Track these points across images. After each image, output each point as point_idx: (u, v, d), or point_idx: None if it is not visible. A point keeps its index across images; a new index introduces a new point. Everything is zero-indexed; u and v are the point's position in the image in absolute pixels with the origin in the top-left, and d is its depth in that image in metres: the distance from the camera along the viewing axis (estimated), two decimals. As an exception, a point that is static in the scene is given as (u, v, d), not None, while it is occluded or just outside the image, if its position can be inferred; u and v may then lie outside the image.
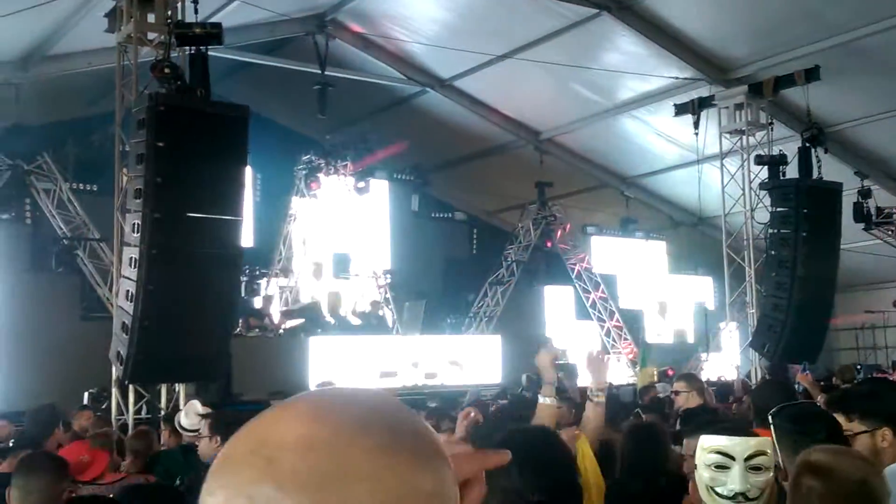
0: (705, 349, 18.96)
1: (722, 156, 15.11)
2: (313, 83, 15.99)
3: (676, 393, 6.24)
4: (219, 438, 4.83)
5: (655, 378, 14.23)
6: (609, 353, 20.54)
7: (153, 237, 8.54)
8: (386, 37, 16.59)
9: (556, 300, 21.26)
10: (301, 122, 18.80)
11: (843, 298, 18.02)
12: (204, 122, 8.95)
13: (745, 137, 14.86)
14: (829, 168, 14.18)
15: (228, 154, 9.07)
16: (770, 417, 2.98)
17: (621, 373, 19.24)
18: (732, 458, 2.35)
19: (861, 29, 13.38)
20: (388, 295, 18.03)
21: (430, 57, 16.98)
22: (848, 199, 15.50)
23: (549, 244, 20.49)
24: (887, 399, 3.15)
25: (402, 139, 19.15)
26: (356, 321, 16.96)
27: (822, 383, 9.15)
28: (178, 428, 6.60)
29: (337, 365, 14.20)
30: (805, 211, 13.19)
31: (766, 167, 14.17)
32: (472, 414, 3.33)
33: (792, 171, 13.94)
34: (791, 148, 14.20)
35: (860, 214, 17.13)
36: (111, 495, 4.57)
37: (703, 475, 2.39)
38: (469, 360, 16.17)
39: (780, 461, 2.74)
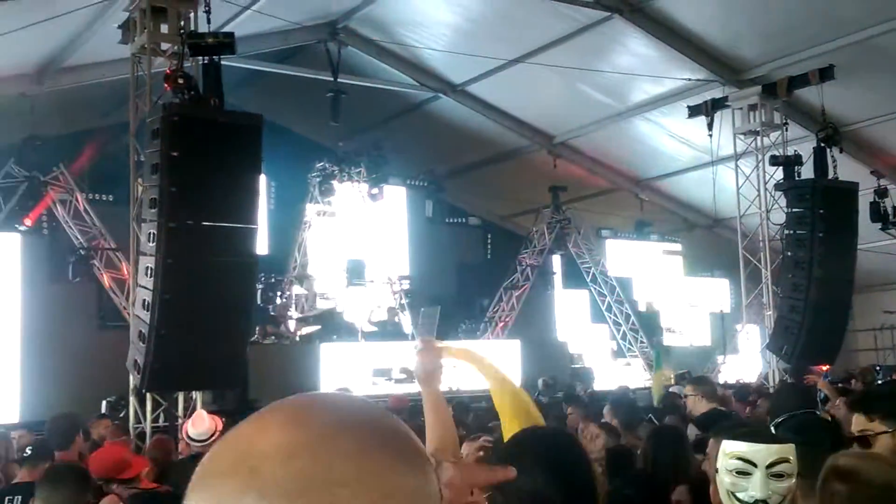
0: (722, 352, 18.88)
1: (736, 157, 15.06)
2: (326, 91, 16.03)
3: (685, 396, 6.24)
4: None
5: (672, 381, 14.16)
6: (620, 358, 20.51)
7: (169, 246, 8.58)
8: (398, 43, 16.63)
9: (572, 304, 21.24)
10: (314, 129, 18.84)
11: (861, 299, 17.92)
12: (218, 131, 8.99)
13: (759, 138, 14.80)
14: (845, 168, 14.10)
15: (242, 162, 9.10)
16: (773, 428, 2.97)
17: (637, 376, 19.19)
18: (754, 465, 2.34)
19: (875, 27, 13.29)
20: (404, 301, 18.05)
21: (442, 62, 17.00)
22: (864, 199, 15.39)
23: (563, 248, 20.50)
24: None
25: (416, 145, 19.19)
26: (372, 328, 16.99)
27: (839, 385, 9.08)
28: (185, 439, 6.56)
29: (351, 371, 14.20)
30: (821, 211, 13.12)
31: (781, 168, 14.10)
32: (482, 440, 3.30)
33: (807, 172, 13.86)
34: (806, 148, 14.13)
35: (877, 214, 16.99)
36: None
37: (724, 480, 2.38)
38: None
39: None
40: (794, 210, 13.47)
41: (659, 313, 21.99)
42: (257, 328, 14.69)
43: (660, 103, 16.66)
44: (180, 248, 8.67)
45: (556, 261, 20.99)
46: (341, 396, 0.79)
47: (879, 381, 11.01)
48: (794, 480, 2.35)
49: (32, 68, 14.37)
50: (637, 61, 15.32)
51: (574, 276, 21.16)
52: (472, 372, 2.83)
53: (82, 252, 14.62)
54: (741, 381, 15.70)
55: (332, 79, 15.94)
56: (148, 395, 9.65)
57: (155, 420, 9.76)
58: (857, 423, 3.02)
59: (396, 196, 19.67)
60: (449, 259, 20.97)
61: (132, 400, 9.87)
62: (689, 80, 15.42)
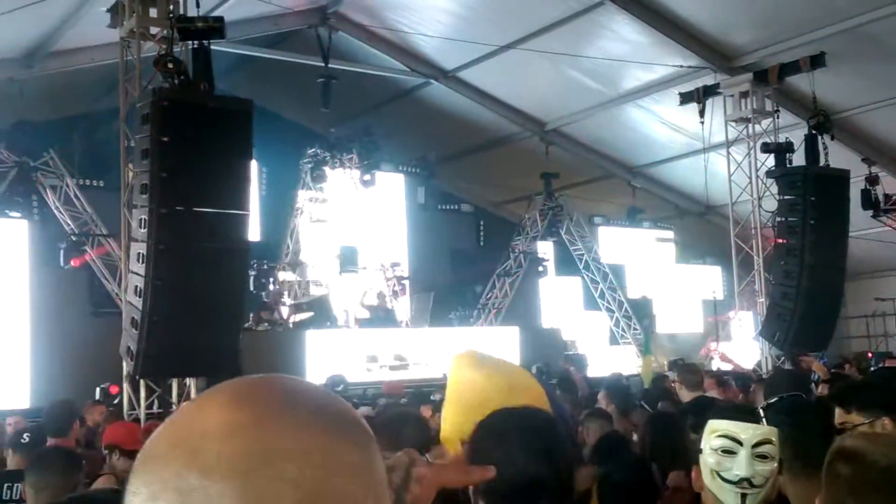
0: (715, 339, 18.93)
1: (728, 144, 15.07)
2: (317, 76, 15.97)
3: (674, 383, 6.31)
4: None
5: (665, 367, 14.20)
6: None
7: (160, 232, 8.56)
8: (389, 28, 16.56)
9: (565, 291, 21.27)
10: (306, 115, 18.79)
11: (853, 286, 18.00)
12: (208, 116, 8.95)
13: (750, 125, 14.82)
14: (836, 155, 14.11)
15: (233, 148, 9.07)
16: (761, 411, 2.97)
17: (631, 363, 19.24)
18: (740, 444, 2.34)
19: (866, 14, 13.27)
20: (397, 288, 18.03)
21: (434, 48, 16.94)
22: (855, 186, 15.44)
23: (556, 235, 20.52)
24: (883, 388, 3.13)
25: (407, 131, 19.14)
26: (364, 314, 16.98)
27: (833, 371, 9.11)
28: None
29: (340, 358, 14.17)
30: (812, 198, 13.14)
31: (772, 155, 14.12)
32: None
33: (799, 159, 13.88)
34: (797, 135, 14.15)
35: (868, 201, 17.07)
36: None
37: (708, 460, 2.37)
38: (488, 351, 16.14)
39: None
40: (785, 197, 13.49)
41: (651, 300, 22.04)
42: (251, 315, 14.67)
43: (651, 90, 16.65)
44: (172, 234, 8.65)
45: (549, 248, 20.98)
46: (285, 378, 0.78)
47: (873, 368, 11.06)
48: (776, 464, 2.35)
49: (21, 52, 14.27)
50: (629, 48, 15.29)
51: (567, 263, 21.18)
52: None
53: (73, 238, 14.55)
54: (739, 368, 15.74)
55: (322, 64, 15.89)
56: (142, 381, 9.64)
57: (149, 406, 9.75)
58: (838, 415, 3.03)
59: (388, 182, 19.63)
60: (442, 246, 20.96)
61: (126, 386, 9.86)
62: (681, 66, 15.40)
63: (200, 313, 8.83)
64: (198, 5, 9.63)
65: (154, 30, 10.06)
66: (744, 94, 14.74)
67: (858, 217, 15.52)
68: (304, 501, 0.69)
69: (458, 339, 16.44)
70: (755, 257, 14.94)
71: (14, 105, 14.48)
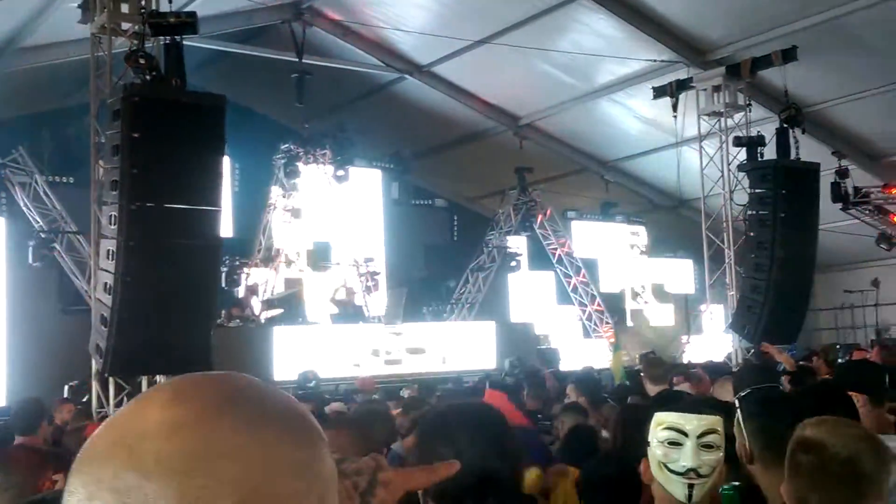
0: (687, 332, 19.06)
1: (700, 138, 15.14)
2: (291, 72, 15.90)
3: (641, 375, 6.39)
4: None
5: (637, 361, 14.27)
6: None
7: (130, 229, 8.49)
8: (363, 23, 16.51)
9: (538, 285, 21.34)
10: (279, 111, 18.70)
11: (822, 279, 18.16)
12: (180, 112, 8.89)
13: (723, 119, 14.89)
14: (807, 148, 14.23)
15: (205, 144, 9.01)
16: (736, 401, 3.00)
17: (603, 356, 19.32)
18: (685, 435, 2.37)
19: (838, 8, 13.39)
20: (370, 283, 18.00)
21: (408, 43, 16.91)
22: (825, 180, 15.58)
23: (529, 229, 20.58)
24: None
25: (382, 127, 19.09)
26: (334, 310, 16.95)
27: (800, 363, 9.19)
28: None
29: (308, 354, 14.12)
30: (783, 192, 13.24)
31: (744, 149, 14.21)
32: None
33: (770, 153, 13.98)
34: (769, 129, 14.25)
35: (838, 194, 17.22)
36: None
37: (655, 452, 2.41)
38: (464, 346, 16.23)
39: (747, 444, 2.76)
40: (756, 190, 13.59)
41: (623, 294, 22.16)
42: (223, 311, 14.59)
43: (625, 84, 16.71)
44: (142, 231, 8.59)
45: (523, 242, 21.02)
46: (232, 375, 0.77)
47: (840, 360, 11.16)
48: (721, 454, 2.38)
49: (-10, 48, 14.11)
50: (602, 42, 15.33)
51: (540, 258, 21.23)
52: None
53: (43, 235, 14.41)
54: (711, 361, 15.84)
55: (296, 59, 15.82)
56: (111, 379, 9.57)
57: (119, 404, 9.67)
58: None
59: (362, 178, 19.58)
60: (415, 241, 20.96)
61: (95, 384, 9.78)
62: (654, 61, 15.47)
63: (171, 310, 8.77)
64: (170, 0, 9.56)
65: (125, 25, 9.96)
66: (716, 88, 14.81)
67: (828, 210, 15.65)
68: (246, 501, 0.68)
69: (430, 334, 16.46)
70: (726, 250, 15.03)
71: (-18, 101, 14.33)
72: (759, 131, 14.34)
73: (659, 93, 15.36)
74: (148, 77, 9.09)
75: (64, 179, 15.55)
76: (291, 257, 17.69)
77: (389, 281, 19.23)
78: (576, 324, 21.27)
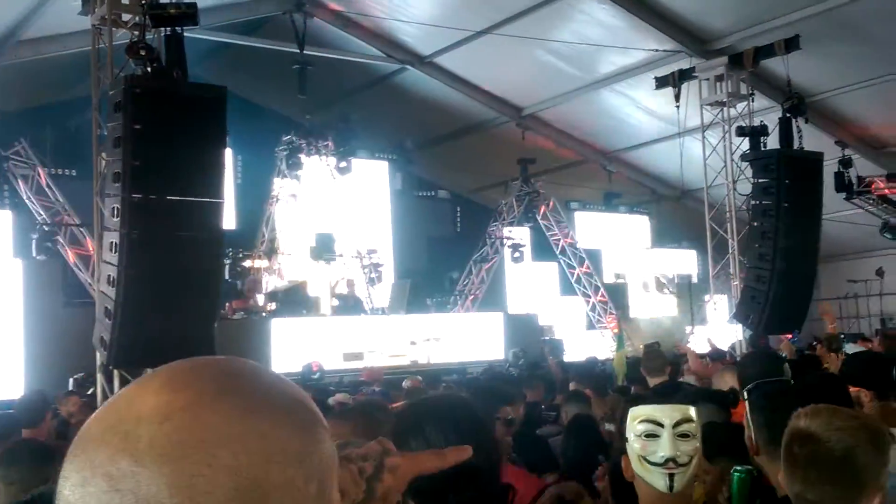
0: (691, 322, 19.03)
1: (703, 128, 15.10)
2: (292, 63, 15.87)
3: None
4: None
5: (642, 349, 14.23)
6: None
7: (133, 221, 8.47)
8: (364, 14, 16.47)
9: (541, 276, 21.32)
10: (281, 102, 18.68)
11: (826, 268, 18.15)
12: (181, 103, 8.86)
13: (726, 109, 14.85)
14: (810, 138, 14.19)
15: (207, 136, 8.98)
16: (745, 393, 3.01)
17: (607, 347, 19.31)
18: (661, 426, 2.39)
19: (841, -3, 13.38)
20: (374, 275, 17.99)
21: (410, 34, 16.87)
22: (829, 169, 15.53)
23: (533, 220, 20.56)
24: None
25: (384, 118, 19.05)
26: (335, 302, 16.95)
27: (804, 352, 9.18)
28: None
29: (309, 346, 14.13)
30: (786, 181, 13.19)
31: (747, 138, 14.16)
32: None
33: (773, 142, 13.94)
34: (772, 118, 14.19)
35: (841, 184, 17.19)
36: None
37: (634, 446, 2.42)
38: (471, 337, 16.24)
39: (753, 436, 2.77)
40: (759, 180, 13.54)
41: (627, 285, 22.14)
42: (226, 304, 14.59)
43: (627, 75, 16.67)
44: (145, 223, 8.56)
45: (526, 233, 21.01)
46: (230, 360, 0.76)
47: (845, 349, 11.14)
48: (698, 443, 2.39)
49: (-9, 41, 14.10)
50: (605, 32, 15.29)
51: (543, 249, 21.22)
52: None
53: (45, 228, 14.42)
54: (716, 349, 15.81)
55: (298, 51, 15.79)
56: (115, 371, 9.57)
57: (123, 397, 9.66)
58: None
59: (365, 169, 19.57)
60: (418, 232, 20.96)
61: (99, 377, 9.78)
62: (657, 51, 15.43)
63: (174, 302, 8.76)
64: (170, -9, 9.53)
65: (126, 16, 9.93)
66: (719, 78, 14.77)
67: (832, 199, 15.62)
68: (240, 489, 0.67)
69: (437, 325, 16.45)
70: (730, 240, 15.00)
71: (-16, 94, 14.33)
72: (762, 121, 14.28)
73: (661, 83, 15.31)
74: (149, 69, 9.05)
75: (66, 172, 15.57)
76: (294, 249, 17.67)
77: (393, 272, 19.23)
78: (580, 315, 21.27)
